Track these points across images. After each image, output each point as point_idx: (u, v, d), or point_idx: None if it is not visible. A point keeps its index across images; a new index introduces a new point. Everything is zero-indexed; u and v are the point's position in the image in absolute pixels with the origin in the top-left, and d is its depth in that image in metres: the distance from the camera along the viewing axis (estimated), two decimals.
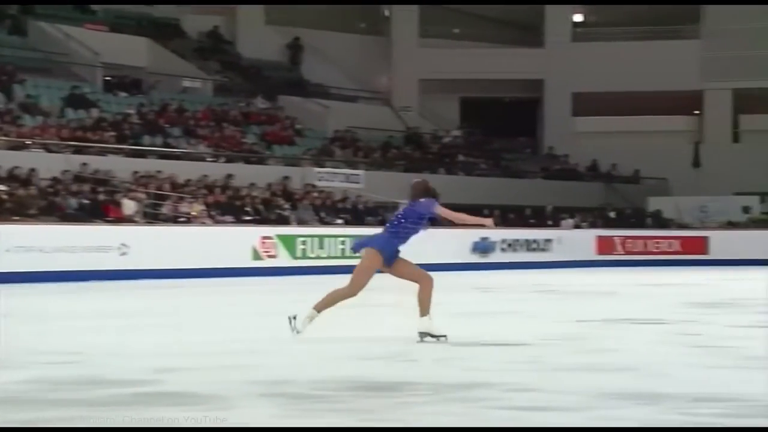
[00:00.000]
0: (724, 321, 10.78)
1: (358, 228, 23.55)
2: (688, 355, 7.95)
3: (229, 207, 22.65)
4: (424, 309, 8.67)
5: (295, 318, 8.75)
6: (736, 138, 38.35)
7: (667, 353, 8.00)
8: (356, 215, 25.21)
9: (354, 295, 8.87)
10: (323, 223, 23.93)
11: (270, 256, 21.30)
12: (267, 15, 35.49)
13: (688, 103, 38.69)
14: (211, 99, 30.27)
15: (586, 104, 38.61)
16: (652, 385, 6.26)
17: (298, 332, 8.68)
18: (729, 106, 37.63)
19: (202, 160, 25.93)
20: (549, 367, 7.11)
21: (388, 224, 9.05)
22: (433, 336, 8.52)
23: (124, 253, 19.04)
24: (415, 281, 8.86)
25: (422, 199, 8.95)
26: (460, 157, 33.47)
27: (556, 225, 28.63)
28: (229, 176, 24.09)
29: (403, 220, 8.91)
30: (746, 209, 32.05)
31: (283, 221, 23.17)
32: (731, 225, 30.89)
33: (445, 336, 8.52)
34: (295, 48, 35.54)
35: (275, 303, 13.68)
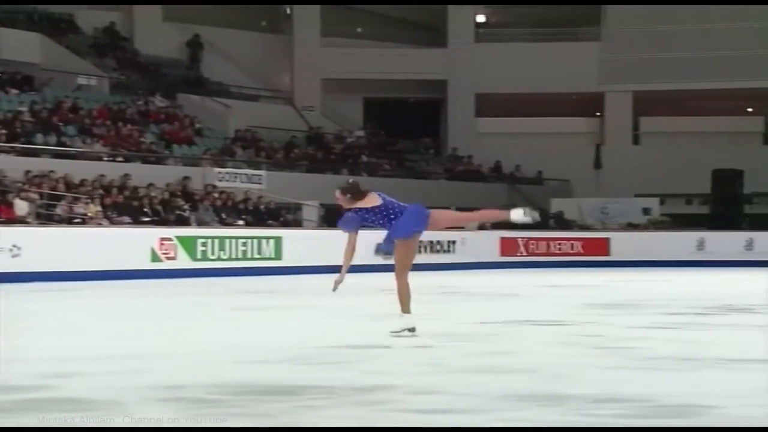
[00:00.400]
0: (624, 322, 11.01)
1: (259, 229, 23.46)
2: (588, 356, 8.09)
3: (127, 208, 22.33)
4: (405, 307, 9.23)
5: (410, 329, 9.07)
6: (636, 140, 39.19)
7: (568, 354, 8.14)
8: (258, 216, 25.09)
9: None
10: (224, 224, 23.76)
11: (169, 258, 21.06)
12: (165, 12, 35.04)
13: (589, 105, 39.43)
14: (108, 97, 29.78)
15: (489, 105, 39.06)
16: (553, 387, 6.37)
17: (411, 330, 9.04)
18: (629, 108, 38.45)
19: (99, 159, 25.51)
20: (451, 369, 7.18)
21: (392, 214, 9.66)
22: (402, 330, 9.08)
23: (16, 255, 18.63)
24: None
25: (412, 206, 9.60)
26: (364, 158, 33.57)
27: (459, 227, 28.85)
28: (127, 176, 23.75)
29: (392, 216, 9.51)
30: (646, 211, 32.75)
31: (183, 222, 22.93)
32: (632, 227, 31.55)
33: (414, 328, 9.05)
34: (194, 45, 35.19)
35: (174, 306, 13.55)
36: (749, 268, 25.93)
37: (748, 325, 10.60)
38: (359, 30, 38.80)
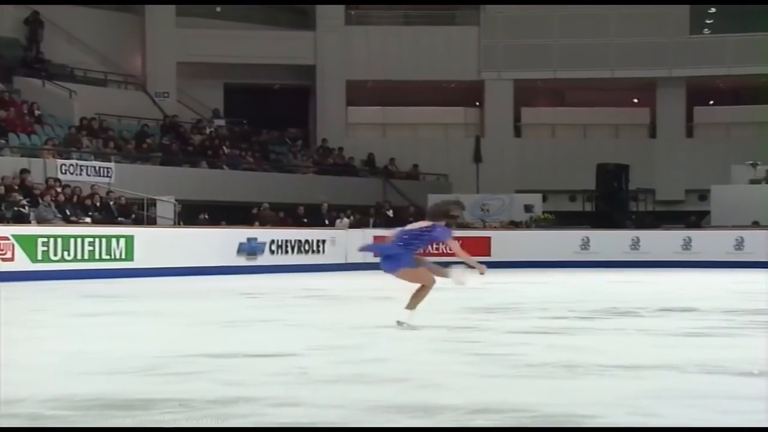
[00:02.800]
0: (503, 327, 11.19)
1: (108, 227, 23.09)
2: (465, 363, 8.20)
3: None
4: (412, 304, 10.37)
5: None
6: (518, 132, 39.84)
7: (443, 362, 8.23)
8: (107, 213, 24.69)
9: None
10: (68, 221, 23.30)
11: (5, 260, 20.56)
12: None
13: (468, 94, 39.93)
14: None
15: (361, 93, 39.22)
16: (426, 397, 6.44)
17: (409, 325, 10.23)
18: (510, 97, 39.05)
19: None
20: (316, 379, 7.20)
21: (401, 240, 10.58)
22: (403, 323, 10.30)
23: None
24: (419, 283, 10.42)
25: (439, 226, 10.38)
26: (224, 150, 33.33)
27: (329, 224, 28.93)
28: None
29: (416, 241, 10.47)
30: (528, 208, 33.32)
31: (21, 220, 22.41)
32: (513, 225, 32.06)
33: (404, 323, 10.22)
34: (33, 23, 34.29)
35: (10, 312, 13.22)
36: (635, 269, 26.65)
37: (634, 330, 10.88)
38: (218, 10, 38.46)
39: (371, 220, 30.53)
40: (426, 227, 10.53)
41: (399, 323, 10.38)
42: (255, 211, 28.81)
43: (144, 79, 36.72)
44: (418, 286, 10.54)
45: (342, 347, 9.14)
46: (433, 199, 33.82)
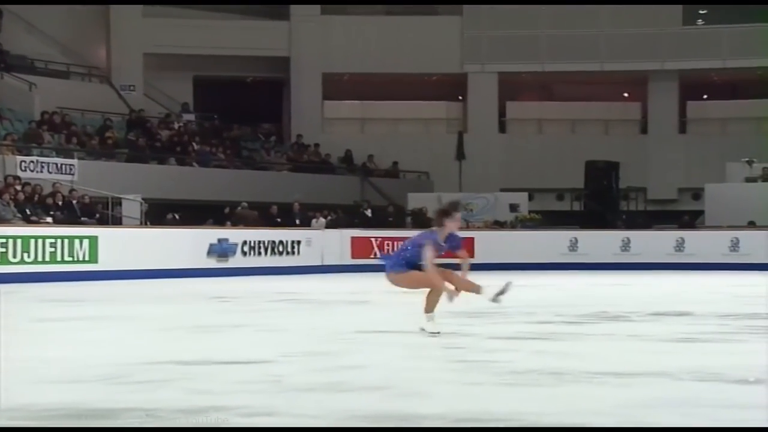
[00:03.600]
0: (487, 332, 11.21)
1: (71, 228, 23.01)
2: (447, 370, 8.21)
3: None
4: (428, 307, 10.40)
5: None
6: (502, 128, 39.91)
7: (424, 369, 8.24)
8: (70, 213, 24.61)
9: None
10: (28, 221, 23.22)
11: None
12: None
13: (450, 87, 40.00)
14: None
15: (338, 87, 39.23)
16: (407, 405, 6.44)
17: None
18: (494, 91, 39.11)
19: None
20: (291, 387, 7.18)
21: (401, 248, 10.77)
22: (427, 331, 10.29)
23: None
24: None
25: (425, 231, 10.65)
26: (194, 146, 33.26)
27: (305, 224, 28.90)
28: None
29: (408, 247, 10.64)
30: (513, 207, 33.40)
31: None
32: (498, 225, 32.11)
33: (438, 332, 10.22)
34: None
35: None
36: (626, 271, 26.73)
37: (624, 335, 10.91)
38: None
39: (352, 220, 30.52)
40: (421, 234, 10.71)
41: (422, 330, 10.42)
42: (227, 210, 28.77)
43: (109, 72, 36.61)
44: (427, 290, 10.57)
45: (318, 354, 9.13)
46: (413, 198, 34.01)
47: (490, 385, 7.37)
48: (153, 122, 33.91)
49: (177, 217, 27.86)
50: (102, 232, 23.28)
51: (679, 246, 29.07)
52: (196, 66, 38.03)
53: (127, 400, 6.72)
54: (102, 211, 26.20)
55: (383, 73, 38.47)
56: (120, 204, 26.60)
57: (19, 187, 24.41)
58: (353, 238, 28.35)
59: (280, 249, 26.59)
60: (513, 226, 32.31)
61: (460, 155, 38.54)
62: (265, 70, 39.35)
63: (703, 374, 7.83)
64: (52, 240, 22.07)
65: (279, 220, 28.96)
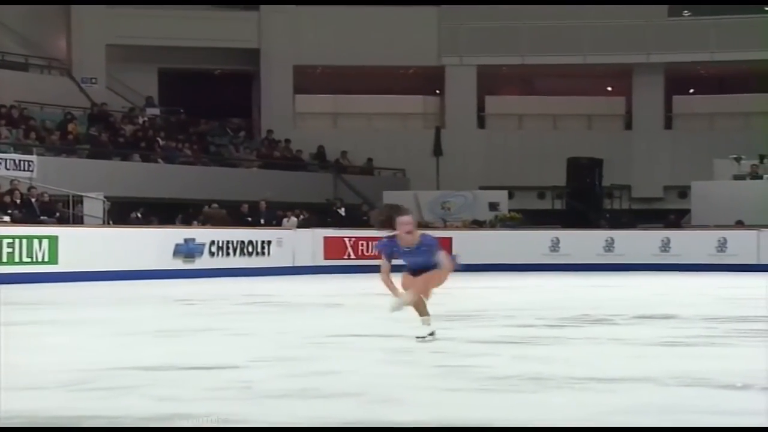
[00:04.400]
0: (466, 336, 11.22)
1: (30, 227, 22.92)
2: (424, 376, 8.22)
3: None
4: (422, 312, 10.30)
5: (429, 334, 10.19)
6: (481, 123, 39.98)
7: (400, 375, 8.25)
8: (29, 211, 24.51)
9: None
10: None
11: None
12: None
13: (427, 81, 40.07)
14: None
15: (310, 80, 39.22)
16: (382, 412, 6.45)
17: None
18: (473, 85, 39.17)
19: None
20: (262, 394, 7.19)
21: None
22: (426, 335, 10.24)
23: None
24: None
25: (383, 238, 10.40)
26: (159, 142, 33.19)
27: (267, 224, 28.85)
28: None
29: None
30: (493, 206, 33.46)
31: None
32: (476, 224, 32.16)
33: (423, 337, 10.18)
34: None
35: None
36: (609, 272, 26.83)
37: (608, 339, 10.94)
38: None
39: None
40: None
41: (431, 335, 10.28)
42: (191, 210, 28.72)
43: (69, 64, 36.49)
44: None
45: (290, 359, 9.13)
46: (388, 197, 34.00)
47: (468, 392, 7.39)
48: (116, 117, 33.81)
49: (140, 216, 27.79)
50: (62, 232, 23.19)
51: (665, 246, 29.20)
52: (161, 58, 37.93)
53: (90, 407, 6.70)
54: (62, 210, 26.10)
55: (357, 66, 38.46)
56: (81, 202, 26.51)
57: None
58: (326, 238, 28.34)
59: (250, 249, 26.55)
60: (492, 225, 32.37)
61: (438, 151, 38.60)
62: (234, 62, 39.29)
63: (689, 379, 7.87)
64: (10, 240, 21.97)
65: (250, 219, 28.93)
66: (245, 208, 29.26)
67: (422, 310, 10.30)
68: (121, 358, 9.18)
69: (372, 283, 22.68)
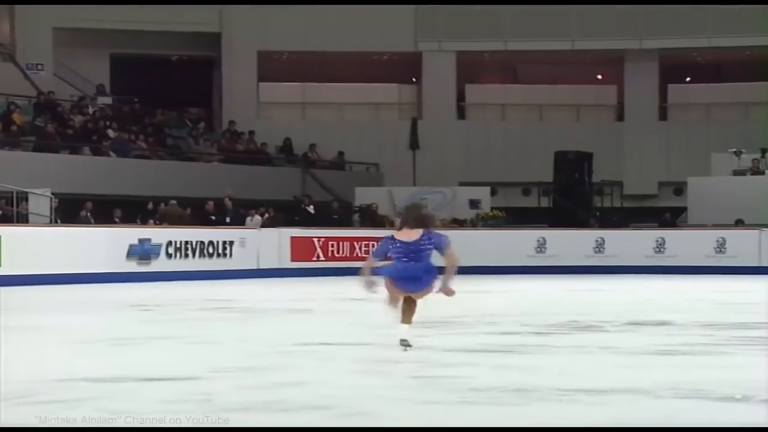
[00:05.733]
0: (444, 344, 11.24)
1: None
2: (398, 387, 8.24)
3: None
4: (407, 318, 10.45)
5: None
6: (461, 113, 40.03)
7: (372, 386, 8.26)
8: None
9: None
10: None
11: None
12: None
13: (403, 68, 40.07)
14: None
15: (276, 67, 39.18)
16: (353, 426, 6.46)
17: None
18: (452, 73, 39.20)
19: None
20: (223, 406, 7.19)
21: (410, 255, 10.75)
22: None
23: None
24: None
25: (434, 233, 10.84)
26: (111, 133, 33.10)
27: (232, 222, 28.81)
28: None
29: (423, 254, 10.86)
30: (474, 204, 33.49)
31: None
32: (456, 223, 32.18)
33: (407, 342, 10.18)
34: None
35: None
36: (599, 275, 26.90)
37: (597, 347, 10.98)
38: None
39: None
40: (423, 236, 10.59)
41: (405, 343, 10.25)
42: (150, 206, 28.66)
43: (13, 49, 36.35)
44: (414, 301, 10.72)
45: (253, 369, 9.13)
46: (361, 193, 34.05)
47: (446, 404, 7.40)
48: (64, 106, 33.70)
49: (89, 214, 27.68)
50: (5, 232, 23.09)
51: (659, 247, 29.29)
52: (113, 42, 37.81)
53: (36, 421, 6.69)
54: (5, 208, 26.01)
55: (327, 52, 38.44)
56: (26, 199, 26.40)
57: None
58: (293, 239, 28.30)
59: (210, 250, 26.50)
60: (473, 224, 32.41)
61: (414, 144, 38.60)
62: (193, 47, 39.22)
63: (685, 391, 7.91)
64: None
65: (214, 218, 28.85)
66: (210, 205, 29.13)
67: (407, 317, 10.47)
68: (69, 369, 9.16)
69: (343, 287, 22.71)
